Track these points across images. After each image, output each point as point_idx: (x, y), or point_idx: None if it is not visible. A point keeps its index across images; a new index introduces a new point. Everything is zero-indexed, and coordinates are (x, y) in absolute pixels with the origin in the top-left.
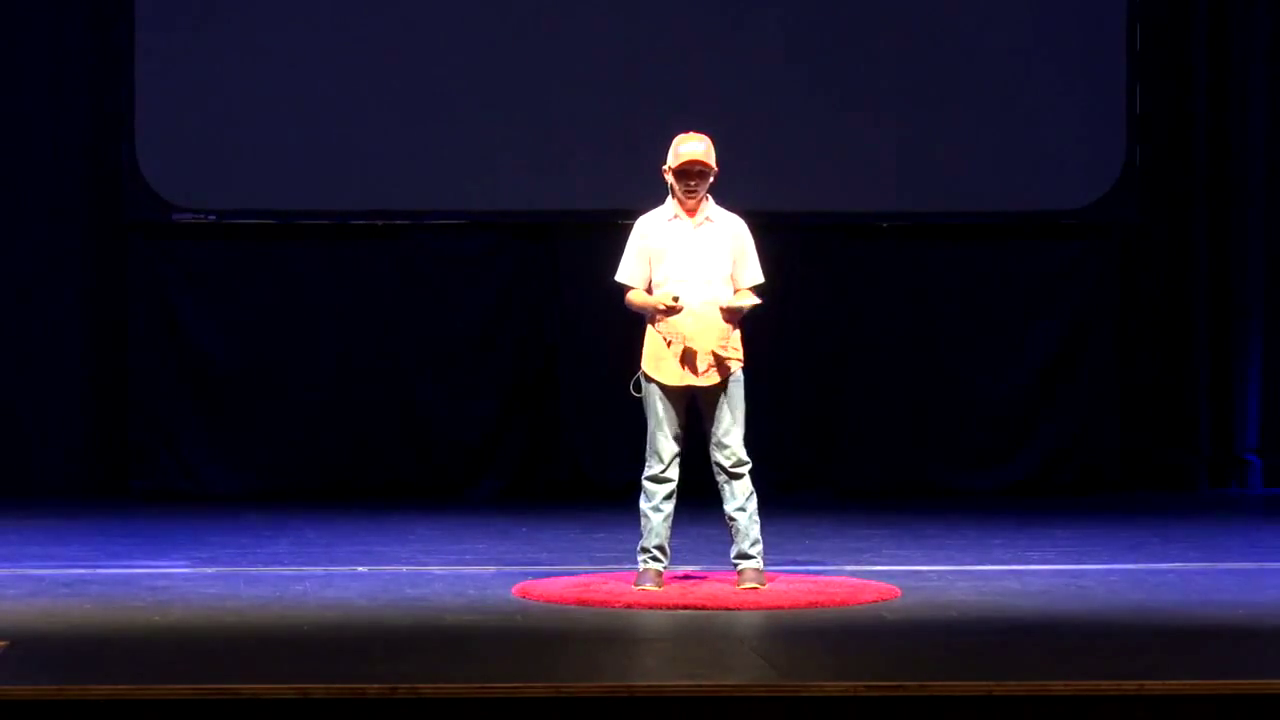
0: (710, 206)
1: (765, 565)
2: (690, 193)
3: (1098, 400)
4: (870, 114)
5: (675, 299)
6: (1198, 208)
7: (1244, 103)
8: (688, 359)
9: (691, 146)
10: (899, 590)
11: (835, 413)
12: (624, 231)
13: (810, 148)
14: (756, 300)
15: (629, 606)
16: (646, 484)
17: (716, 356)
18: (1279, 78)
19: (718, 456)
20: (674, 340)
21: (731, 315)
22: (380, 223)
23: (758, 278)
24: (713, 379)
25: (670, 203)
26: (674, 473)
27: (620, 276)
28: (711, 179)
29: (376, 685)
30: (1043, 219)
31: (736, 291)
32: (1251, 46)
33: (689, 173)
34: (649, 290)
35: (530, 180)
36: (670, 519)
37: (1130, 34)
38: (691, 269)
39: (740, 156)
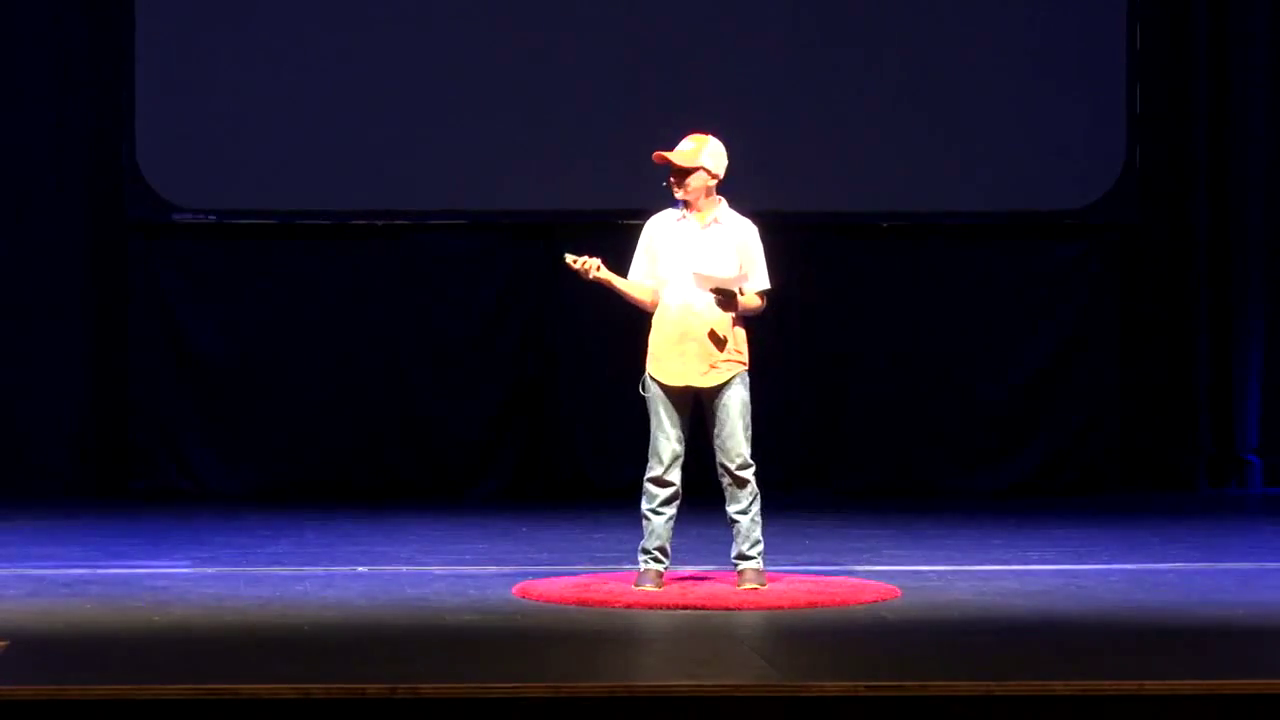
0: (721, 209)
1: (766, 565)
2: (674, 189)
3: (1098, 400)
4: (870, 114)
5: (575, 259)
6: (1198, 208)
7: (1244, 103)
8: (687, 358)
9: (680, 145)
10: (899, 590)
11: (835, 413)
12: (624, 231)
13: (810, 148)
14: (757, 302)
15: (629, 606)
16: (647, 486)
17: (718, 356)
18: (1279, 77)
19: (722, 458)
20: (673, 337)
21: (726, 302)
22: (380, 223)
23: (763, 284)
24: (714, 379)
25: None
26: (675, 475)
27: (630, 274)
28: (708, 180)
29: (376, 685)
30: (1043, 219)
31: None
32: (1251, 47)
33: (671, 170)
34: (655, 290)
35: (530, 180)
36: (672, 521)
37: (1130, 34)
38: (694, 268)
39: (741, 156)
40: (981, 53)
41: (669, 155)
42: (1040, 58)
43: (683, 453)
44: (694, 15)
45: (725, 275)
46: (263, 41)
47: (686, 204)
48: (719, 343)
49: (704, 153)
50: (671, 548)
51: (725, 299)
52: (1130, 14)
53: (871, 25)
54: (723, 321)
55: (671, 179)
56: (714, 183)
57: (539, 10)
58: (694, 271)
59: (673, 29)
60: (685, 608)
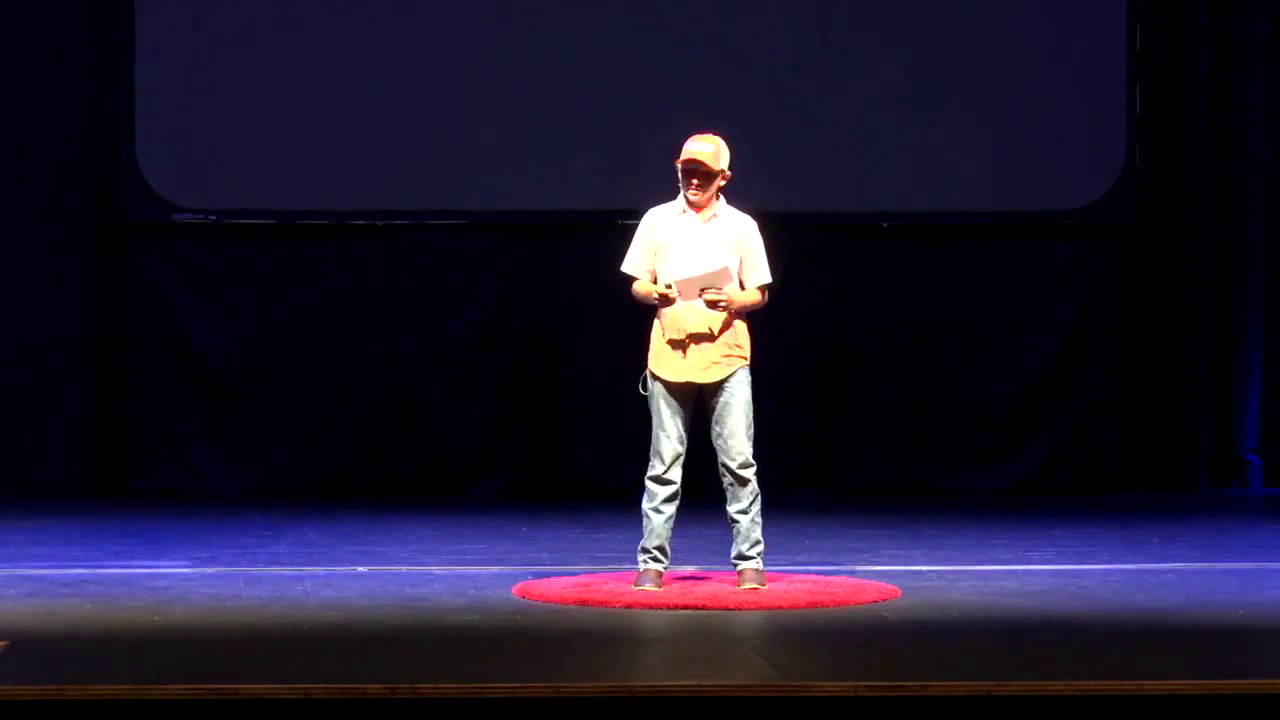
0: (720, 206)
1: (765, 565)
2: (693, 190)
3: (1098, 400)
4: (871, 114)
5: (669, 287)
6: (1198, 208)
7: (1244, 103)
8: (688, 354)
9: (697, 146)
10: (899, 590)
11: (835, 413)
12: (624, 231)
13: (811, 147)
14: (757, 297)
15: (629, 606)
16: (649, 484)
17: (718, 352)
18: (1279, 77)
19: (723, 457)
20: (674, 333)
21: (714, 303)
22: (380, 223)
23: (764, 278)
24: (715, 375)
25: (680, 197)
26: (676, 474)
27: (625, 267)
28: (720, 182)
29: (376, 685)
30: (1043, 219)
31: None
32: (1251, 47)
33: (690, 171)
34: (654, 283)
35: (530, 180)
36: (672, 520)
37: (1130, 34)
38: (693, 264)
39: (740, 156)
40: (982, 53)
41: (702, 158)
42: (1040, 58)
43: (684, 451)
44: (694, 15)
45: (706, 271)
46: (262, 42)
47: (693, 203)
48: (719, 338)
49: (723, 155)
50: (671, 547)
51: (712, 300)
52: (1130, 14)
53: (871, 25)
54: (722, 316)
55: (695, 181)
56: (722, 183)
57: (538, 10)
58: (674, 280)
59: (673, 28)
60: (685, 608)
